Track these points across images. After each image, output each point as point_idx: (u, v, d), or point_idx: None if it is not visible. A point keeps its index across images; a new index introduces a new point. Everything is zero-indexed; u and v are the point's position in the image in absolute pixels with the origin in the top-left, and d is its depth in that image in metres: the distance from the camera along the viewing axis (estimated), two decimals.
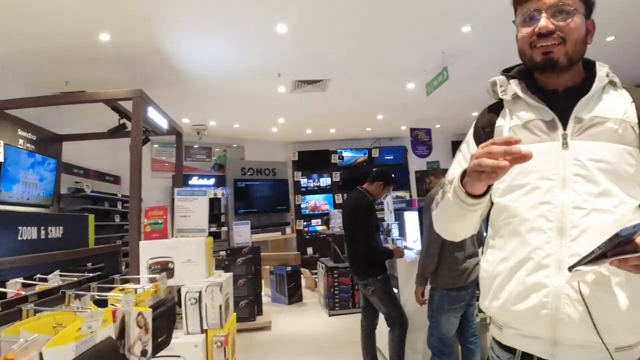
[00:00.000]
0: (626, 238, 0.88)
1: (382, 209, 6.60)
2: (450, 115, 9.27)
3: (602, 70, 1.15)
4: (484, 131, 1.24)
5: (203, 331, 1.97)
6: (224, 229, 8.94)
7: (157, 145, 9.16)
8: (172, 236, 2.21)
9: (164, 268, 2.08)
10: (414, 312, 3.38)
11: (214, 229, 8.71)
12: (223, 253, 5.61)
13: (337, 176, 10.99)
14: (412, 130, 9.41)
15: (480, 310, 3.51)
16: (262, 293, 6.11)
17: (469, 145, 1.27)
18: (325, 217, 8.34)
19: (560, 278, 1.04)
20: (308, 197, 10.97)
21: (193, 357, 1.87)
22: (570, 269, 0.95)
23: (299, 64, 5.81)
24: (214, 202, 9.43)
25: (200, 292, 1.99)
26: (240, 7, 4.23)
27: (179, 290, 2.04)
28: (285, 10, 4.38)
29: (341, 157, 11.03)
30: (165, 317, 1.36)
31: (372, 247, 3.48)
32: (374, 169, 3.98)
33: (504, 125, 1.20)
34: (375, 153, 11.07)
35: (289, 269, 6.77)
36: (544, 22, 1.10)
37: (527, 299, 1.07)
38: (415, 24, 4.83)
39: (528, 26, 1.14)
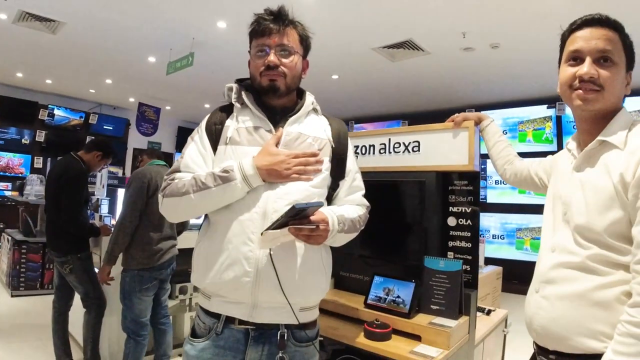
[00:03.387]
0: (303, 213, 1.22)
1: (94, 182, 6.08)
2: (183, 100, 9.25)
3: (309, 99, 1.52)
4: (215, 127, 1.43)
5: None
6: None
7: None
8: None
9: None
10: (111, 293, 3.23)
11: None
12: None
13: (41, 136, 9.17)
14: (141, 105, 8.86)
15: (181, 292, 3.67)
16: None
17: (202, 138, 1.43)
18: (19, 182, 6.98)
19: (261, 252, 1.27)
20: (1, 153, 8.87)
21: None
22: (262, 233, 1.21)
23: None
24: None
25: None
26: None
27: None
28: None
29: (51, 115, 9.25)
30: None
31: (78, 222, 3.16)
32: (93, 137, 3.67)
33: (231, 125, 1.41)
34: (94, 119, 9.85)
35: None
36: (272, 57, 1.39)
37: (234, 269, 1.28)
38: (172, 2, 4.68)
39: (260, 58, 1.41)
